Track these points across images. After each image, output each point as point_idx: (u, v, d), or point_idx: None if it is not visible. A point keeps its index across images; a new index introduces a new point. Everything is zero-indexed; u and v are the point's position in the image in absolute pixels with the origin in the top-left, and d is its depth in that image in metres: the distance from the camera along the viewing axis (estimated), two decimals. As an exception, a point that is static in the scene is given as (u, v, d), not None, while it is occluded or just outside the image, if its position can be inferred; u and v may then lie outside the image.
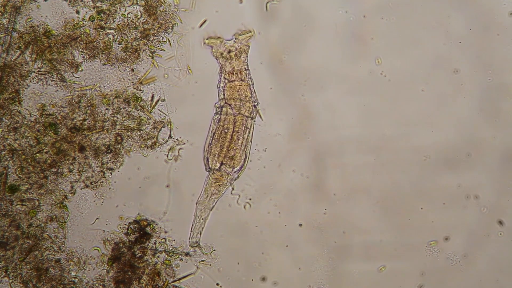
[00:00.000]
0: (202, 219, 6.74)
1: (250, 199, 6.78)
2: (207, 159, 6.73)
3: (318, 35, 6.79)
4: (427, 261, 6.80)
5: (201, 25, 6.72)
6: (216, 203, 6.76)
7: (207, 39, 6.70)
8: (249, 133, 6.73)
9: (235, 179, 6.76)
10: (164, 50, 6.70)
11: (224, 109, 6.69)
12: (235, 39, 6.69)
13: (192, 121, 6.75)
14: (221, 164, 6.70)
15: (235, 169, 6.73)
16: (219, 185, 6.73)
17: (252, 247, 6.81)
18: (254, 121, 6.75)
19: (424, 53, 6.79)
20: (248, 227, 6.81)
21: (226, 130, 6.69)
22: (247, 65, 6.71)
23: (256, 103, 6.73)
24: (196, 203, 6.75)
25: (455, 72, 6.78)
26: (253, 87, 6.73)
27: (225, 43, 6.69)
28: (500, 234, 6.80)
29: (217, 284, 6.77)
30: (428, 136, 6.80)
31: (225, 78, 6.71)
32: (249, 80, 6.72)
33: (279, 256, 6.82)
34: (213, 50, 6.70)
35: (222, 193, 6.75)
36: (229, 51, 6.67)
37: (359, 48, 6.78)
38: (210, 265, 6.74)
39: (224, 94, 6.71)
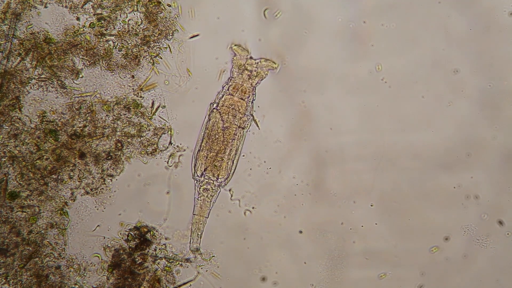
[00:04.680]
0: (200, 224, 6.75)
1: (253, 207, 6.79)
2: (195, 165, 6.73)
3: (318, 38, 6.81)
4: (427, 262, 6.82)
5: (191, 37, 6.73)
6: (210, 211, 6.76)
7: (235, 45, 6.69)
8: (239, 143, 6.73)
9: (222, 187, 6.76)
10: (161, 58, 6.71)
11: (213, 114, 6.69)
12: (259, 62, 6.70)
13: (192, 127, 6.76)
14: (205, 169, 6.70)
15: (220, 178, 6.72)
16: (208, 193, 6.73)
17: (253, 251, 6.82)
18: (247, 130, 6.75)
19: (424, 54, 6.81)
20: (248, 232, 6.81)
21: (215, 138, 6.69)
22: (255, 90, 6.71)
23: (251, 114, 6.73)
24: (193, 214, 6.76)
25: (455, 72, 6.80)
26: (252, 103, 6.73)
27: (248, 59, 6.69)
28: (508, 234, 6.83)
29: (218, 291, 6.79)
30: (428, 136, 6.82)
31: (228, 89, 6.71)
32: (249, 101, 6.71)
33: (280, 260, 6.83)
34: (234, 58, 6.70)
35: (213, 201, 6.75)
36: (246, 68, 6.67)
37: (359, 53, 6.80)
38: (219, 277, 6.76)
39: (220, 100, 6.71)
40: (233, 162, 6.74)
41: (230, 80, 6.72)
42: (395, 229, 6.83)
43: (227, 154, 6.70)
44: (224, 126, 6.68)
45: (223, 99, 6.70)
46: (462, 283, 6.84)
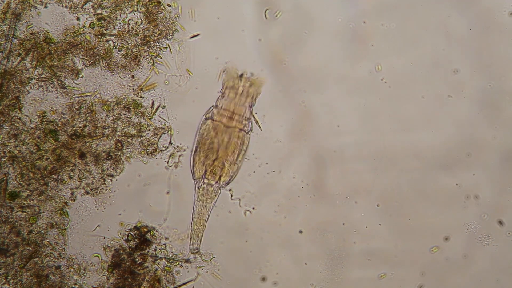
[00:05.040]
0: (201, 225, 6.75)
1: (253, 207, 6.79)
2: (193, 167, 6.73)
3: (318, 38, 6.81)
4: (427, 262, 6.83)
5: (192, 37, 6.73)
6: (210, 213, 6.76)
7: (223, 71, 6.67)
8: (242, 145, 6.72)
9: (222, 188, 6.75)
10: (161, 58, 6.71)
11: (208, 121, 6.68)
12: (248, 83, 6.65)
13: (192, 127, 6.76)
14: (205, 171, 6.69)
15: (222, 181, 6.71)
16: (208, 195, 6.73)
17: (253, 251, 6.82)
18: (250, 132, 6.74)
19: (424, 54, 6.82)
20: (248, 232, 6.81)
21: (213, 141, 6.68)
22: (251, 108, 6.68)
23: (253, 115, 6.72)
24: (192, 217, 6.76)
25: (455, 72, 6.80)
26: (250, 112, 6.72)
27: (239, 81, 6.66)
28: (508, 233, 6.83)
29: (218, 291, 6.79)
30: (428, 136, 6.82)
31: (221, 107, 6.68)
32: (247, 118, 6.70)
33: (280, 260, 6.83)
34: (225, 78, 6.67)
35: (213, 203, 6.74)
36: (238, 93, 6.66)
37: (359, 53, 6.81)
38: (220, 277, 6.75)
39: (218, 105, 6.71)
40: (235, 166, 6.72)
41: (221, 97, 6.69)
42: (396, 229, 6.83)
43: (229, 159, 6.68)
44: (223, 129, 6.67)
45: (219, 111, 6.67)
46: (462, 283, 6.84)
